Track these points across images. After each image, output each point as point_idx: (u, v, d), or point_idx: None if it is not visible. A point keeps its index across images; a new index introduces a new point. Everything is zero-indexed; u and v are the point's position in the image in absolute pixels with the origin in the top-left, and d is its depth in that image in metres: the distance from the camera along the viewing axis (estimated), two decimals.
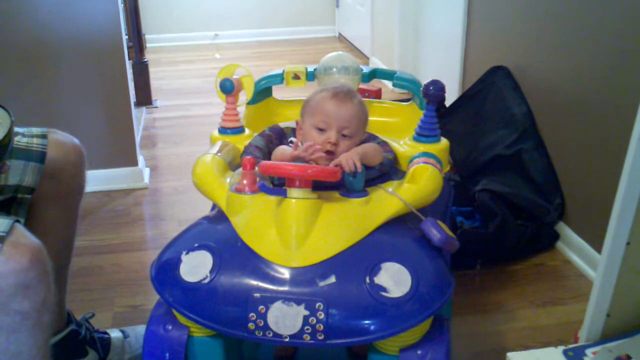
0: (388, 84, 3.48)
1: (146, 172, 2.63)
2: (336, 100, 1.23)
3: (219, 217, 1.17)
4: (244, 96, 1.44)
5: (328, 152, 1.22)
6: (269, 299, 1.01)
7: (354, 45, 4.80)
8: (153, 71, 3.65)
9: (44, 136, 1.31)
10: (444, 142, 1.35)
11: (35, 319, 1.05)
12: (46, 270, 1.06)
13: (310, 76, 1.54)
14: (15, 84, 1.23)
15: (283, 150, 1.25)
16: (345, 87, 1.30)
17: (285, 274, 1.04)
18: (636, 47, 1.64)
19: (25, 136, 1.29)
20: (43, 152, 1.29)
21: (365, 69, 1.56)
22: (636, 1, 1.63)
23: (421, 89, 1.31)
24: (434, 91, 1.29)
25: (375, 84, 2.78)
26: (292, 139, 1.32)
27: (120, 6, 2.36)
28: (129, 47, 2.84)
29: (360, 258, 1.05)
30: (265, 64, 4.30)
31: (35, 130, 1.31)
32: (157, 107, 3.51)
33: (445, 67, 2.92)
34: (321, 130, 1.23)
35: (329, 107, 1.23)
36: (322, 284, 1.02)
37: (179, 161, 2.80)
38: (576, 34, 1.90)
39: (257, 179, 1.15)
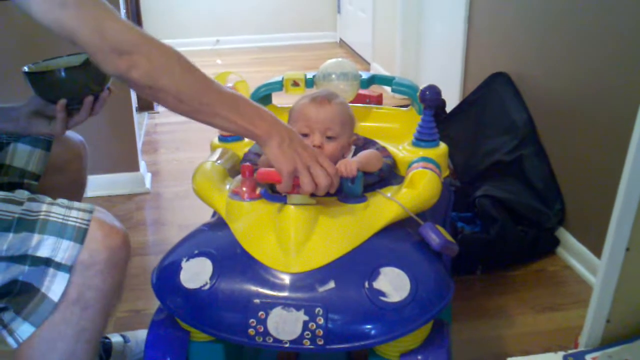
0: (388, 89, 3.50)
1: (148, 177, 2.64)
2: (315, 104, 1.25)
3: (218, 224, 1.18)
4: None
5: None
6: (269, 304, 1.02)
7: (355, 51, 4.81)
8: None
9: None
10: (443, 146, 1.36)
11: (108, 300, 1.10)
12: (129, 256, 1.12)
13: (310, 83, 1.55)
14: (17, 89, 1.26)
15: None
16: (326, 91, 1.31)
17: (285, 279, 1.04)
18: (636, 54, 1.64)
19: None
20: (49, 141, 1.36)
21: (365, 75, 1.56)
22: (637, 9, 1.63)
23: (418, 94, 1.32)
24: (430, 95, 1.29)
25: (376, 90, 2.79)
26: None
27: (122, 12, 2.38)
28: None
29: (359, 263, 1.05)
30: (266, 69, 4.32)
31: None
32: (158, 113, 3.52)
33: (446, 74, 2.93)
34: (305, 135, 1.23)
35: (308, 112, 1.24)
36: (321, 289, 1.02)
37: (180, 166, 2.81)
38: (576, 41, 1.91)
39: (257, 185, 1.16)
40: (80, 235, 1.04)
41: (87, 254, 1.04)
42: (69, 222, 1.05)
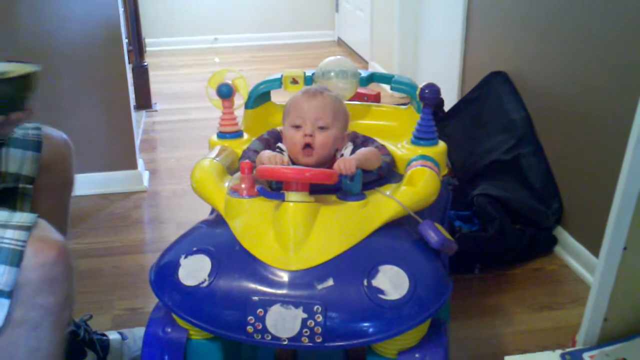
0: (387, 87, 3.51)
1: (145, 175, 2.64)
2: (307, 96, 1.27)
3: (217, 221, 1.18)
4: (239, 100, 1.46)
5: (306, 146, 1.23)
6: (268, 302, 1.02)
7: (353, 50, 4.81)
8: (153, 75, 3.66)
9: (37, 128, 1.38)
10: (442, 145, 1.36)
11: (57, 315, 1.07)
12: (70, 266, 1.08)
13: (309, 80, 1.54)
14: None
15: (268, 156, 1.24)
16: (319, 86, 1.35)
17: (284, 277, 1.04)
18: (634, 53, 1.65)
19: (21, 128, 1.34)
20: (39, 142, 1.35)
21: (364, 73, 1.56)
22: (634, 8, 1.64)
23: (417, 92, 1.33)
24: (429, 94, 1.30)
25: (374, 88, 2.79)
26: (280, 144, 1.32)
27: (121, 10, 2.37)
28: (129, 51, 2.84)
29: (358, 261, 1.05)
30: (264, 68, 4.32)
31: (28, 124, 1.37)
32: (156, 111, 3.51)
33: (445, 72, 2.93)
34: (298, 127, 1.25)
35: (300, 103, 1.26)
36: (320, 287, 1.02)
37: (178, 164, 2.81)
38: (574, 40, 1.91)
39: (256, 183, 1.16)
40: (15, 258, 1.00)
41: (22, 274, 1.01)
42: (3, 245, 1.01)
